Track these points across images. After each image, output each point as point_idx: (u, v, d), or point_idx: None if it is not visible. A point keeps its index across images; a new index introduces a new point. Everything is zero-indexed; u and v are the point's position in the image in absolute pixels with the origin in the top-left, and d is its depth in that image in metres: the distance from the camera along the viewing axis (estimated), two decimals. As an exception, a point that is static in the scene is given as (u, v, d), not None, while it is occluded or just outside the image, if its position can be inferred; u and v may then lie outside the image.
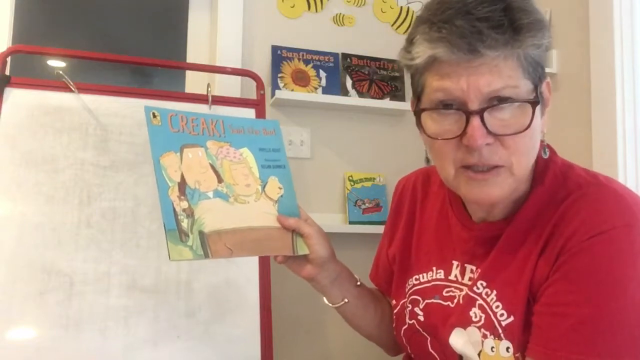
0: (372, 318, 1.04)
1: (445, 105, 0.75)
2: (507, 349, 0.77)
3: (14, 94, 1.37)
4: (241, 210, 0.93)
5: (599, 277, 0.71)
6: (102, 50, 1.55)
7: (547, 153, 0.82)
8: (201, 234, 0.88)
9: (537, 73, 0.75)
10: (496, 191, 0.77)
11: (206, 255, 0.87)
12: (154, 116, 0.92)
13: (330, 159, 1.91)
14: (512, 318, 0.78)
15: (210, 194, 0.91)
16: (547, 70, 0.82)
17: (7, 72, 1.44)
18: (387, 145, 1.96)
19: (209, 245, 0.88)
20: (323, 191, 1.88)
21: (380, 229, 1.82)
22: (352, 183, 1.89)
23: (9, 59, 1.45)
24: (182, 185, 0.89)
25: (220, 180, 0.93)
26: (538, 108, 0.75)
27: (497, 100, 0.73)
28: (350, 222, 1.85)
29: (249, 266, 1.42)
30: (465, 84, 0.72)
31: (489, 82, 0.72)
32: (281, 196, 0.99)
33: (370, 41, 1.97)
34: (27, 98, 1.37)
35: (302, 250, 0.95)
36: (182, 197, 0.88)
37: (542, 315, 0.74)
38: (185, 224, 0.87)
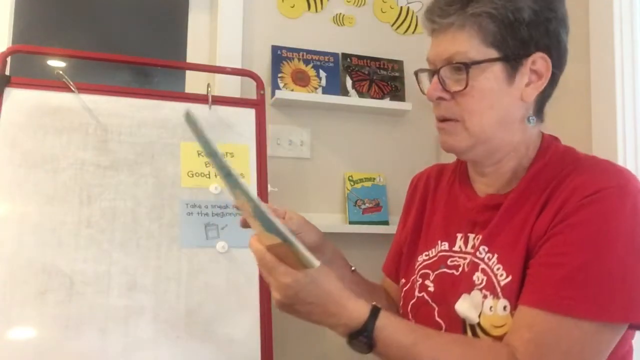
0: None
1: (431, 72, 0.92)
2: (505, 307, 0.81)
3: (14, 94, 1.37)
4: None
5: (592, 230, 0.77)
6: (102, 50, 1.55)
7: (532, 122, 0.90)
8: None
9: (507, 44, 0.85)
10: (451, 140, 0.90)
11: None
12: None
13: (330, 159, 1.90)
14: (510, 277, 0.82)
15: None
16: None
17: (7, 72, 1.44)
18: (387, 145, 1.96)
19: None
20: (323, 191, 1.88)
21: (380, 229, 1.85)
22: (352, 183, 1.89)
23: (9, 59, 1.45)
24: None
25: None
26: (495, 70, 0.85)
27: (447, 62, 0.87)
28: (350, 222, 1.85)
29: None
30: (433, 51, 0.90)
31: (444, 48, 0.87)
32: None
33: (370, 41, 1.97)
34: (27, 98, 1.37)
35: None
36: None
37: (538, 266, 0.80)
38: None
